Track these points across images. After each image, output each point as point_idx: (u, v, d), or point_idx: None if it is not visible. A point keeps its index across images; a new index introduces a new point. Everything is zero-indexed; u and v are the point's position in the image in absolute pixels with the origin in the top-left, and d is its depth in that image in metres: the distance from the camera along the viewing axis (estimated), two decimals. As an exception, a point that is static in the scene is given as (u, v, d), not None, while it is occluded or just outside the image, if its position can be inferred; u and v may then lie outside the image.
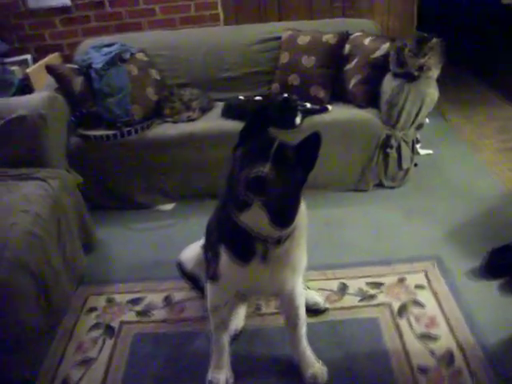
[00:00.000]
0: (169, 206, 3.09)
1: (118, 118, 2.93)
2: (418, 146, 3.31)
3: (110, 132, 2.86)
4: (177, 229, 2.90)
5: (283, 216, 1.47)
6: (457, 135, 3.86)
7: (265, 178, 1.28)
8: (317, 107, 2.99)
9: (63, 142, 2.76)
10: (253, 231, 1.48)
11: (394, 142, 2.96)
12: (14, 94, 3.05)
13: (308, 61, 3.11)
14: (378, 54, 3.02)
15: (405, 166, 3.05)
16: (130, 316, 2.29)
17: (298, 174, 1.43)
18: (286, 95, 2.95)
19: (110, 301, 2.39)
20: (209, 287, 1.79)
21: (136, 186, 3.05)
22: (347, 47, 3.17)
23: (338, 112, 3.00)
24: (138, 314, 2.30)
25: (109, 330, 2.21)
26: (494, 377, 1.85)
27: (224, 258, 1.61)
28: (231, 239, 1.58)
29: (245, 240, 1.51)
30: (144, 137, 2.92)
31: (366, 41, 3.11)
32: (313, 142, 1.43)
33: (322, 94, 3.09)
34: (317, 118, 2.95)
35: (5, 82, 3.02)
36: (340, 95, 3.15)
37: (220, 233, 1.65)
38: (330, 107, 3.00)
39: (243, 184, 1.32)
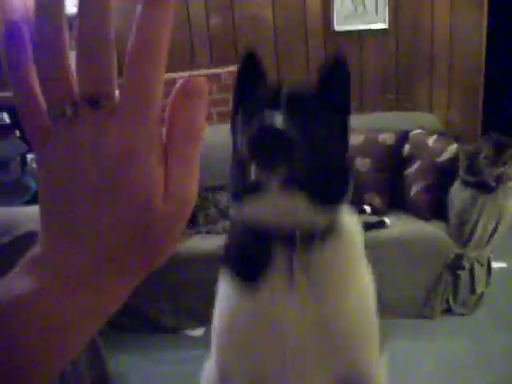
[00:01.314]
0: (198, 332, 2.66)
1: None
2: (489, 258, 2.82)
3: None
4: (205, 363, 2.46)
5: (324, 188, 0.89)
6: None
7: (279, 131, 0.76)
8: (373, 221, 2.56)
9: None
10: (269, 225, 0.90)
11: (465, 263, 2.50)
12: (30, 201, 2.76)
13: (362, 163, 2.73)
14: (444, 157, 2.61)
15: (478, 290, 2.57)
16: None
17: (331, 121, 0.91)
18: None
19: None
20: (213, 339, 1.14)
21: (161, 306, 2.66)
22: (407, 147, 2.78)
23: (398, 226, 2.57)
24: None
25: None
26: None
27: (222, 288, 1.04)
28: (233, 251, 1.02)
29: (255, 246, 0.93)
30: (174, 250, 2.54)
31: (429, 141, 2.72)
32: (337, 69, 0.95)
33: (377, 201, 2.69)
34: (373, 231, 2.52)
35: (20, 186, 2.74)
36: (399, 204, 2.73)
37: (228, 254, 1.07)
38: (387, 221, 2.56)
39: (247, 148, 0.79)
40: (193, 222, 2.71)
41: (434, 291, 2.58)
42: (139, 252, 0.36)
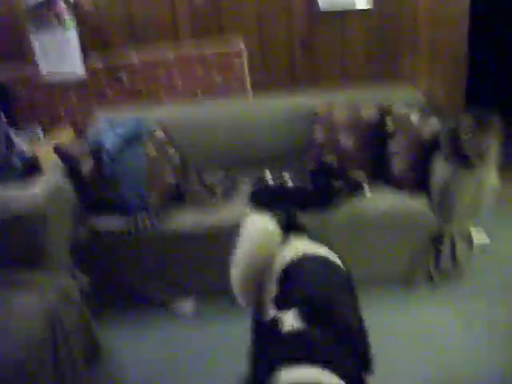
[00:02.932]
0: (187, 307, 2.70)
1: (133, 205, 2.59)
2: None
3: (124, 226, 2.53)
4: (196, 337, 2.50)
5: None
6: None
7: None
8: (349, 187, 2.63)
9: (67, 238, 2.41)
10: None
11: (447, 236, 2.56)
12: (18, 177, 2.74)
13: (346, 141, 2.75)
14: (426, 133, 2.64)
15: (460, 263, 2.64)
16: None
17: None
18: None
19: None
20: None
21: (151, 283, 2.70)
22: (390, 123, 2.80)
23: (381, 200, 2.62)
24: None
25: None
26: None
27: None
28: None
29: None
30: (161, 228, 2.57)
31: (412, 117, 2.74)
32: None
33: (362, 177, 2.71)
34: (357, 206, 2.57)
35: (9, 164, 2.72)
36: (383, 179, 2.77)
37: None
38: (366, 186, 2.62)
39: None
40: (180, 199, 2.72)
41: (416, 263, 2.65)
42: None
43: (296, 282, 1.43)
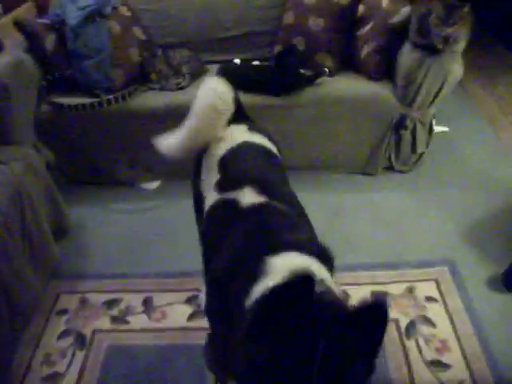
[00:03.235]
0: (153, 184, 2.77)
1: (97, 83, 2.56)
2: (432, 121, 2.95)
3: (87, 101, 2.51)
4: (162, 213, 2.61)
5: None
6: (477, 109, 3.47)
7: None
8: (312, 73, 2.62)
9: (31, 113, 2.39)
10: None
11: (408, 123, 2.62)
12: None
13: (316, 23, 2.70)
14: (396, 18, 2.60)
15: (419, 149, 2.72)
16: (104, 322, 2.04)
17: (357, 373, 0.91)
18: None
19: (83, 301, 2.13)
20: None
21: (117, 160, 2.72)
22: (361, 8, 2.74)
23: (346, 84, 2.64)
24: (113, 320, 2.05)
25: (80, 340, 1.97)
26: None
27: None
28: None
29: None
30: (126, 106, 2.56)
31: (384, 2, 2.69)
32: (377, 318, 0.89)
33: (329, 61, 2.70)
34: (322, 90, 2.59)
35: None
36: (350, 64, 2.76)
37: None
38: (326, 69, 2.63)
39: None
40: (145, 79, 2.69)
41: (377, 149, 2.73)
42: None
43: (239, 167, 1.44)
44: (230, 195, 1.33)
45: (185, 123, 1.55)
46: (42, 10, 3.19)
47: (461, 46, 2.43)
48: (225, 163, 1.47)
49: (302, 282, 0.86)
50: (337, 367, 0.86)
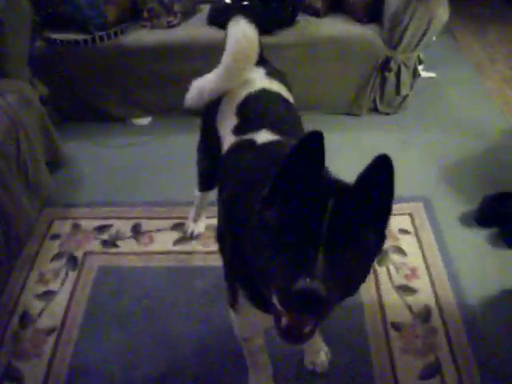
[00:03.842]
0: (145, 121, 2.86)
1: (89, 19, 2.60)
2: (420, 67, 2.99)
3: (80, 37, 2.56)
4: (152, 147, 2.70)
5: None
6: (464, 56, 3.51)
7: (316, 294, 0.79)
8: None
9: (25, 48, 2.45)
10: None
11: (393, 65, 2.68)
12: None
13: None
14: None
15: (403, 92, 2.79)
16: (95, 245, 2.17)
17: (368, 240, 0.92)
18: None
19: (75, 227, 2.25)
20: (231, 315, 1.42)
21: (109, 96, 2.80)
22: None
23: (334, 26, 2.68)
24: (104, 243, 2.17)
25: (72, 261, 2.10)
26: (469, 340, 1.78)
27: (243, 302, 1.23)
28: (250, 289, 1.16)
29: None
30: (118, 43, 2.61)
31: None
32: (381, 172, 0.91)
33: (319, 3, 2.73)
34: (309, 31, 2.63)
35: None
36: (339, 6, 2.79)
37: (234, 271, 1.26)
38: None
39: (279, 298, 0.87)
40: (137, 17, 2.72)
41: (362, 91, 2.80)
42: None
43: (257, 113, 1.48)
44: (247, 136, 1.41)
45: (219, 67, 1.58)
46: None
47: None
48: (243, 109, 1.52)
49: (313, 135, 0.91)
50: (346, 228, 0.87)
